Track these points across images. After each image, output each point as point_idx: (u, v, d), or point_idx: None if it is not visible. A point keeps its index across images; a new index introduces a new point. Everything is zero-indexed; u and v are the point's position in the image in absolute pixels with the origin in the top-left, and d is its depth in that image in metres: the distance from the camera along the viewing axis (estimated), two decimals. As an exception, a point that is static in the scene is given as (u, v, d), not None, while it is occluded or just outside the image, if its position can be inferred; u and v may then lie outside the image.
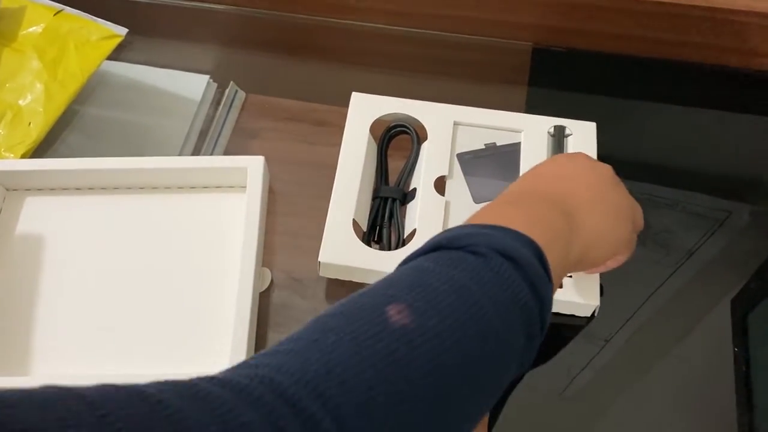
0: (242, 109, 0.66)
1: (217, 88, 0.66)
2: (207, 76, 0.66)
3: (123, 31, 0.65)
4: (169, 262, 0.54)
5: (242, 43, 0.71)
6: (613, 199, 0.45)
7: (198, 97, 0.65)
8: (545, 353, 0.52)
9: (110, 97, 0.65)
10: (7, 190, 0.57)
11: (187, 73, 0.67)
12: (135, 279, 0.53)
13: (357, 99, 0.59)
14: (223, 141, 0.64)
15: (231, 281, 0.52)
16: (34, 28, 0.63)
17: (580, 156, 0.47)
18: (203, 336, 0.51)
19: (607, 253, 0.44)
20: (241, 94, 0.66)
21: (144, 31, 0.69)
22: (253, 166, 0.55)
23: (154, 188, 0.57)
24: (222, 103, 0.65)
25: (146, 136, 0.63)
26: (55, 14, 0.63)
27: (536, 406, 0.51)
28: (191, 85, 0.66)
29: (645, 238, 0.56)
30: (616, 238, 0.44)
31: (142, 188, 0.57)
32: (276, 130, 0.64)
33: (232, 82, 0.66)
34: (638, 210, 0.47)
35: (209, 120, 0.64)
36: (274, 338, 0.53)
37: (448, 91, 0.64)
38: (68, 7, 0.64)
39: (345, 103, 0.60)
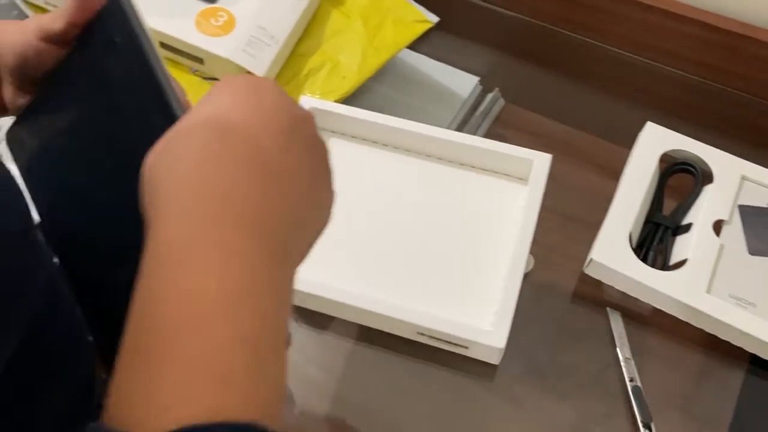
0: (497, 115, 0.69)
1: (481, 91, 0.69)
2: (477, 78, 0.70)
3: (435, 18, 0.70)
4: (442, 231, 0.58)
5: (517, 51, 0.74)
6: (305, 139, 0.31)
7: (465, 95, 0.69)
8: None
9: (391, 76, 0.70)
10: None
11: (459, 71, 0.71)
12: (408, 237, 0.58)
13: (650, 129, 0.62)
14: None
15: (501, 261, 0.56)
16: (360, -1, 0.69)
17: (234, 85, 0.31)
18: (469, 305, 0.55)
19: (318, 231, 0.32)
20: (501, 102, 0.69)
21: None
22: (539, 161, 0.58)
23: (439, 158, 0.62)
24: (483, 106, 0.69)
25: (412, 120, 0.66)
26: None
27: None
28: (461, 84, 0.70)
29: None
30: (324, 198, 0.33)
31: (429, 155, 0.62)
32: (519, 142, 0.64)
33: (497, 88, 0.70)
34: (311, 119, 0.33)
35: (465, 120, 0.68)
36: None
37: (723, 149, 0.64)
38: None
39: (600, 133, 0.63)
